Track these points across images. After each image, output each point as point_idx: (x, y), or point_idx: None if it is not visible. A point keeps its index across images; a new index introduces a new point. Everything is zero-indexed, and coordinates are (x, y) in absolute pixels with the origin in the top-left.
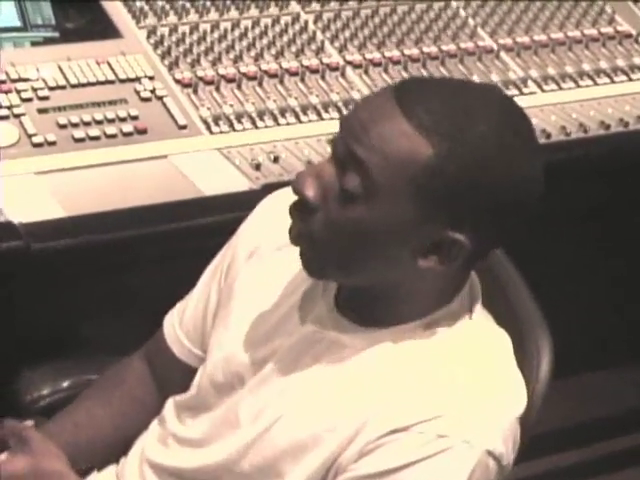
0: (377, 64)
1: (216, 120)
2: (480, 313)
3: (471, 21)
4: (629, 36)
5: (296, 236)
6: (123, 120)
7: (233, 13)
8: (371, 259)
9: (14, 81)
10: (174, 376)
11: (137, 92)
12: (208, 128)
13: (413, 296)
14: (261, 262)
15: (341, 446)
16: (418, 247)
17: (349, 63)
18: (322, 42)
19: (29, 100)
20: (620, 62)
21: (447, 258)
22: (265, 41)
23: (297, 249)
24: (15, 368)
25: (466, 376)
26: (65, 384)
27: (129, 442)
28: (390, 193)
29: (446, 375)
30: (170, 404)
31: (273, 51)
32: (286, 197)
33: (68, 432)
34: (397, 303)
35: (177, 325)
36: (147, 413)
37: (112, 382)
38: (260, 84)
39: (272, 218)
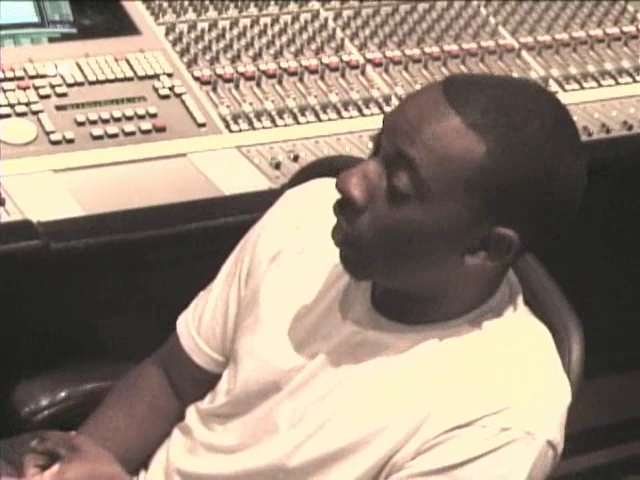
0: (397, 62)
1: (235, 118)
2: (523, 308)
3: (492, 19)
4: None
5: (342, 238)
6: (141, 118)
7: (252, 10)
8: (419, 259)
9: (32, 77)
10: (193, 382)
11: (156, 89)
12: (227, 126)
13: (458, 294)
14: (286, 265)
15: (395, 446)
16: (467, 244)
17: (369, 61)
18: (342, 40)
19: (47, 97)
20: None
21: (496, 254)
22: (284, 39)
23: (326, 249)
24: (13, 380)
25: (520, 368)
26: (62, 394)
27: (151, 452)
28: (441, 192)
29: (501, 368)
30: (193, 412)
31: (292, 49)
32: (304, 196)
33: (97, 444)
34: (441, 301)
35: (195, 333)
36: (169, 422)
37: (131, 391)
38: (280, 82)
39: (292, 219)
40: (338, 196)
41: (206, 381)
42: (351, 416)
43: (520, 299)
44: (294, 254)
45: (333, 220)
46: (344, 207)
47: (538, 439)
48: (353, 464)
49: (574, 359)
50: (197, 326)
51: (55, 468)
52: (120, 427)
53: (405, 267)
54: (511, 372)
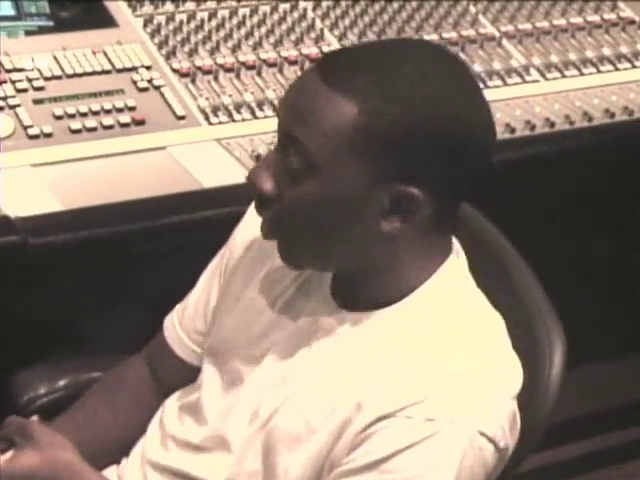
0: None
1: (215, 110)
2: (471, 291)
3: (472, 8)
4: (632, 22)
5: (266, 231)
6: (120, 111)
7: (231, 1)
8: (337, 234)
9: (9, 71)
10: (175, 375)
11: (134, 82)
12: (207, 119)
13: (395, 270)
14: (256, 256)
15: (333, 437)
16: (376, 209)
17: None
18: (321, 30)
19: (24, 91)
20: (624, 49)
21: (407, 215)
22: (263, 29)
23: None
24: (11, 368)
25: (454, 356)
26: (61, 383)
27: (131, 442)
28: (331, 161)
29: (434, 356)
30: (171, 405)
31: (272, 40)
32: None
33: (72, 431)
34: (382, 282)
35: (177, 325)
36: (149, 412)
37: (114, 382)
38: (259, 73)
39: None
40: None
41: (187, 374)
42: (299, 404)
43: (467, 282)
44: (264, 246)
45: None
46: (260, 201)
47: (465, 430)
48: (298, 454)
49: (554, 373)
50: (180, 319)
51: (8, 455)
52: (99, 415)
53: (328, 245)
54: (442, 360)
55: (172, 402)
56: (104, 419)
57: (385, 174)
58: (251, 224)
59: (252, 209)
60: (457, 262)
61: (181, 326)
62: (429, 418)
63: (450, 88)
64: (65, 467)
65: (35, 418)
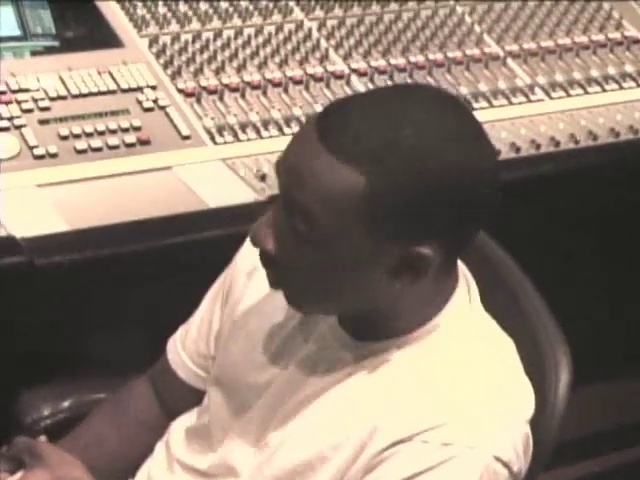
0: (382, 72)
1: (220, 130)
2: (481, 317)
3: (477, 27)
4: (637, 41)
5: (272, 283)
6: (125, 131)
7: (236, 21)
8: (345, 291)
9: (14, 92)
10: (179, 398)
11: (139, 102)
12: (212, 138)
13: (404, 310)
14: (260, 283)
15: (347, 463)
16: (387, 270)
17: (354, 71)
18: (326, 50)
19: (30, 111)
20: (628, 68)
21: (418, 274)
22: (269, 49)
23: None
24: (15, 389)
25: (469, 381)
26: (65, 404)
27: (136, 463)
28: (336, 227)
29: (448, 381)
30: (177, 429)
31: (277, 59)
32: None
33: (78, 452)
34: (393, 317)
35: (180, 348)
36: (153, 436)
37: (119, 404)
38: (264, 93)
39: None
40: None
41: (192, 397)
42: (309, 434)
43: (477, 308)
44: None
45: None
46: (264, 258)
47: (482, 454)
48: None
49: (560, 393)
50: (183, 341)
51: (17, 475)
52: (104, 436)
53: (336, 299)
54: (455, 386)
55: (178, 425)
56: (109, 441)
57: (393, 237)
58: (250, 255)
59: (249, 240)
60: (466, 291)
61: (184, 349)
62: (446, 443)
63: (453, 140)
64: None
65: (43, 438)
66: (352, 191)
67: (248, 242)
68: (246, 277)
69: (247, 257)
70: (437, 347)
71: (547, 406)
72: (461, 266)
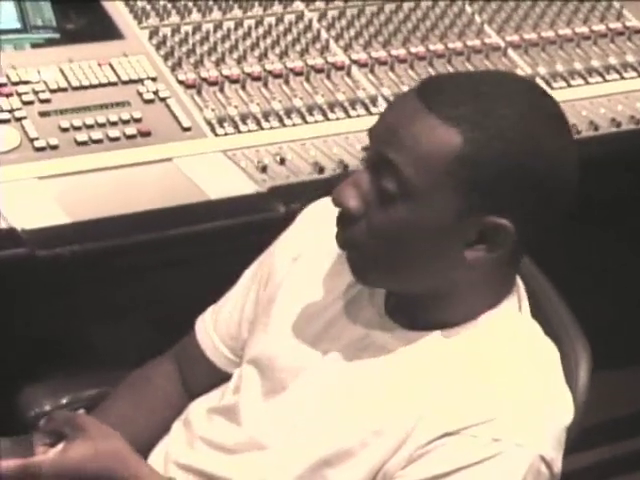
0: (383, 63)
1: (221, 122)
2: (529, 319)
3: (477, 18)
4: (638, 31)
5: (342, 243)
6: (126, 123)
7: (236, 12)
8: (419, 259)
9: (15, 84)
10: (203, 378)
11: (140, 94)
12: (213, 130)
13: (462, 296)
14: (304, 269)
15: (389, 451)
16: (464, 238)
17: (354, 62)
18: (327, 41)
19: (30, 103)
20: (630, 58)
21: (494, 246)
22: (269, 40)
23: (341, 256)
24: (17, 383)
25: (518, 379)
26: (65, 400)
27: (155, 441)
28: (427, 189)
29: (498, 378)
30: (197, 408)
31: (277, 51)
32: (326, 206)
33: None
34: (446, 305)
35: (211, 329)
36: (175, 415)
37: (143, 383)
38: (265, 84)
39: (314, 226)
40: None
41: (217, 379)
42: (350, 419)
43: (526, 310)
44: (314, 259)
45: None
46: (344, 218)
47: (529, 452)
48: (350, 468)
49: (580, 385)
50: (214, 323)
51: (59, 447)
52: (128, 416)
53: (407, 269)
54: (506, 382)
55: (197, 406)
56: (136, 421)
57: (479, 205)
58: (296, 239)
59: (297, 225)
60: (517, 299)
61: (215, 331)
62: (495, 438)
63: (545, 124)
64: (115, 457)
65: (82, 411)
66: (448, 151)
67: (293, 229)
68: (290, 261)
69: (293, 241)
70: (486, 342)
71: None
72: (518, 280)
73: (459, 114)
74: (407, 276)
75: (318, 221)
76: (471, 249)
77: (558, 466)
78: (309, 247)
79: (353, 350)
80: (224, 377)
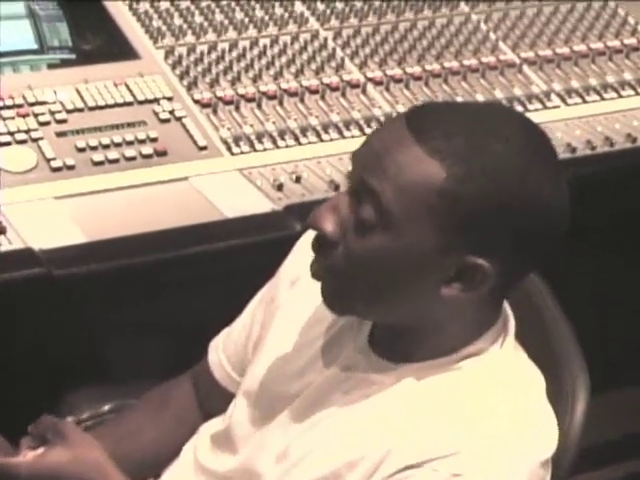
0: (398, 80)
1: (236, 140)
2: (511, 348)
3: (492, 35)
4: None
5: (316, 271)
6: (142, 142)
7: (251, 31)
8: (394, 290)
9: (31, 104)
10: (214, 400)
11: (156, 113)
12: (229, 149)
13: (441, 330)
14: (300, 295)
15: None
16: (441, 275)
17: (370, 80)
18: (342, 59)
19: (47, 124)
20: None
21: (470, 285)
22: (284, 59)
23: None
24: (38, 400)
25: (487, 415)
26: (106, 407)
27: (167, 460)
28: (407, 221)
29: (467, 412)
30: (204, 433)
31: (293, 69)
32: None
33: (114, 442)
34: (424, 339)
35: (221, 350)
36: (189, 434)
37: (160, 400)
38: (280, 103)
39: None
40: None
41: (226, 400)
42: (328, 449)
43: (509, 341)
44: (308, 284)
45: None
46: (319, 242)
47: None
48: None
49: (576, 416)
50: (224, 343)
51: (39, 451)
52: (141, 430)
53: (381, 298)
54: (474, 417)
55: (205, 430)
56: (146, 435)
57: (458, 242)
58: (296, 263)
59: (298, 248)
60: (503, 329)
61: (224, 351)
62: (455, 473)
63: (537, 168)
64: (92, 467)
65: (70, 419)
66: (431, 184)
67: (296, 249)
68: (289, 285)
69: (293, 265)
70: (461, 377)
71: (561, 433)
72: (507, 313)
73: (446, 147)
74: (381, 306)
75: None
76: (447, 286)
77: None
78: (306, 272)
79: (336, 381)
80: (231, 400)
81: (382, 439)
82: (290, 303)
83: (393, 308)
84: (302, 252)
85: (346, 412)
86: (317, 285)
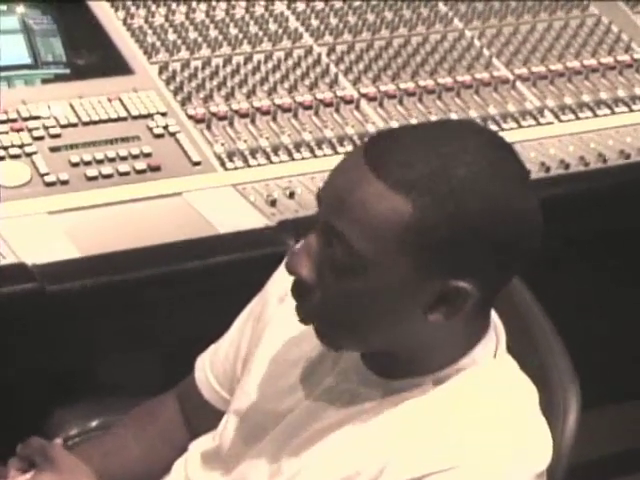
0: (392, 96)
1: (230, 156)
2: (503, 361)
3: (486, 51)
4: None
5: (303, 318)
6: (136, 157)
7: (245, 47)
8: (379, 324)
9: (25, 119)
10: (202, 418)
11: (150, 129)
12: (222, 164)
13: (432, 347)
14: (288, 311)
15: None
16: (423, 302)
17: (363, 96)
18: (336, 75)
19: (41, 138)
20: (638, 90)
21: (454, 308)
22: (278, 75)
23: None
24: (45, 408)
25: (483, 428)
26: (93, 424)
27: (154, 478)
28: (378, 259)
29: (462, 426)
30: (194, 451)
31: (286, 85)
32: None
33: (99, 458)
34: (417, 357)
35: (208, 368)
36: (175, 452)
37: (146, 417)
38: (274, 119)
39: None
40: None
41: (214, 418)
42: (322, 466)
43: (501, 353)
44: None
45: None
46: (297, 287)
47: None
48: None
49: (568, 427)
50: (211, 361)
51: (28, 475)
52: (126, 446)
53: (369, 333)
54: (470, 430)
55: (195, 448)
56: (132, 451)
57: (434, 270)
58: (284, 279)
59: (282, 265)
60: (494, 342)
61: (212, 369)
62: None
63: (503, 184)
64: None
65: (59, 441)
66: (398, 220)
67: (280, 272)
68: (277, 301)
69: (280, 281)
70: (457, 391)
71: (554, 444)
72: (495, 319)
73: (408, 179)
74: (369, 339)
75: None
76: (432, 311)
77: None
78: None
79: (329, 397)
80: (221, 416)
81: (377, 454)
82: (279, 319)
83: (382, 339)
84: (285, 273)
85: (340, 428)
86: None
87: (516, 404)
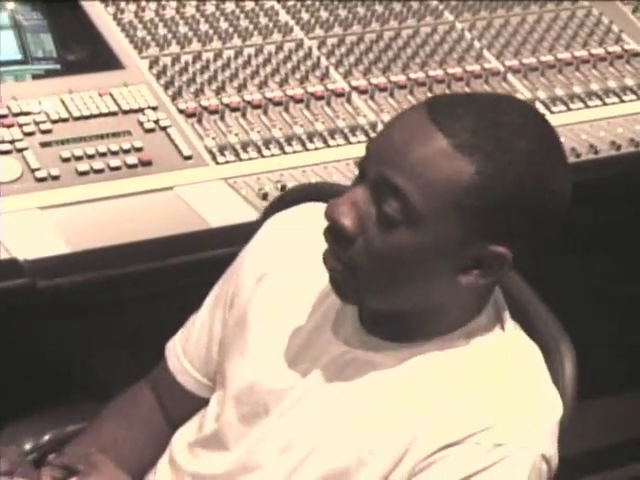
0: (383, 89)
1: (221, 150)
2: (510, 324)
3: (477, 43)
4: (637, 55)
5: (334, 266)
6: (127, 152)
7: (236, 41)
8: (413, 282)
9: (16, 115)
10: (181, 406)
11: (140, 123)
12: (214, 158)
13: (447, 311)
14: (273, 287)
15: (387, 468)
16: (461, 264)
17: (354, 89)
18: (327, 68)
19: (31, 134)
20: (629, 81)
21: (490, 271)
22: (269, 68)
23: (313, 271)
24: (17, 411)
25: (509, 383)
26: (46, 437)
27: (144, 470)
28: (432, 216)
29: (490, 384)
30: (180, 444)
31: (277, 78)
32: (290, 219)
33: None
34: (431, 319)
35: (181, 353)
36: (163, 441)
37: (128, 408)
38: (265, 112)
39: (277, 242)
40: (324, 220)
41: (193, 404)
42: (342, 438)
43: (507, 315)
44: (281, 276)
45: (321, 243)
46: (336, 235)
47: (532, 454)
48: None
49: (567, 374)
50: (183, 347)
51: None
52: (118, 439)
53: (400, 290)
54: (500, 388)
55: (179, 440)
56: (124, 444)
57: (482, 234)
58: (260, 257)
59: (260, 240)
60: (497, 309)
61: (185, 355)
62: (498, 443)
63: (554, 159)
64: None
65: (94, 451)
66: (459, 180)
67: (254, 246)
68: (255, 282)
69: (256, 261)
70: (471, 352)
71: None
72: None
73: (474, 143)
74: (397, 296)
75: (284, 235)
76: (465, 274)
77: (555, 461)
78: (275, 264)
79: (335, 367)
80: (201, 402)
81: (406, 422)
82: (261, 299)
83: (406, 297)
84: (265, 246)
85: (353, 399)
86: (289, 277)
87: (530, 361)
